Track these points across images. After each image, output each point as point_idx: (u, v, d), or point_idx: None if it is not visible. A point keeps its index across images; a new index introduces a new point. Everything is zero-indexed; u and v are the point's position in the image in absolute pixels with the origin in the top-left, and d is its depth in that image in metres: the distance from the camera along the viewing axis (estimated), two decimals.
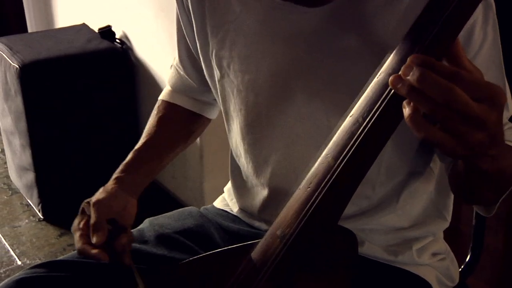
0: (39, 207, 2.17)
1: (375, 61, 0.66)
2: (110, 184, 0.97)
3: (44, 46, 2.11)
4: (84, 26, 2.31)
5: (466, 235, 1.16)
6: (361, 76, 0.76)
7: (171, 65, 1.08)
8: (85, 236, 0.89)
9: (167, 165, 1.07)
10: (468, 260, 1.12)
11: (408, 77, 0.54)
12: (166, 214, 1.04)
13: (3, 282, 0.87)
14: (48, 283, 0.86)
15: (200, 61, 0.95)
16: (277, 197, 0.92)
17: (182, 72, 1.04)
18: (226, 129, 0.97)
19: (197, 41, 0.92)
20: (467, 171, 0.68)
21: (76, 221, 0.93)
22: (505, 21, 0.83)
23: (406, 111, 0.55)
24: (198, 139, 2.01)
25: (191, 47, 0.97)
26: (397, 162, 0.85)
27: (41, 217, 2.19)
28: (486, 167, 0.61)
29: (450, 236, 1.04)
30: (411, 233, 0.92)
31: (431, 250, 0.94)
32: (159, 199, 2.23)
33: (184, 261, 0.80)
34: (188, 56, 1.00)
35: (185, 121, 1.08)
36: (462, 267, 1.11)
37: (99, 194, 0.95)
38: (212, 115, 1.11)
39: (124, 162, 1.01)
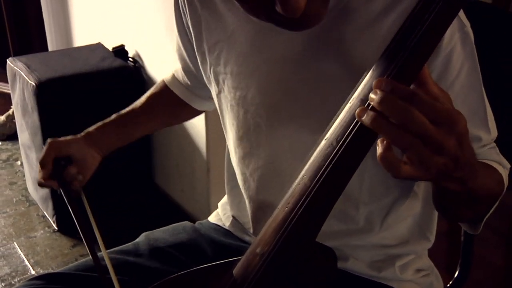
0: (54, 218, 2.19)
1: (353, 85, 0.66)
2: (79, 134, 1.05)
3: (60, 64, 2.14)
4: (99, 45, 2.34)
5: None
6: (342, 98, 0.77)
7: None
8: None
9: (139, 136, 1.12)
10: (457, 276, 1.11)
11: (371, 101, 0.55)
12: (161, 228, 1.05)
13: None
14: None
15: (202, 75, 0.97)
16: (263, 211, 0.93)
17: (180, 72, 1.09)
18: (226, 141, 0.99)
19: (197, 57, 0.94)
20: (438, 192, 0.68)
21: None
22: (485, 48, 0.83)
23: (378, 150, 0.56)
24: (205, 154, 2.04)
25: (189, 62, 1.00)
26: (380, 184, 0.85)
27: (56, 228, 2.21)
28: (454, 188, 0.61)
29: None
30: (395, 250, 0.92)
31: (414, 266, 0.93)
32: (168, 211, 2.25)
33: (170, 276, 0.81)
34: (187, 73, 1.05)
35: (172, 105, 1.12)
36: (450, 283, 1.10)
37: (62, 138, 1.03)
38: (202, 107, 1.13)
39: (103, 121, 1.07)
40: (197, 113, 1.15)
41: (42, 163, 0.99)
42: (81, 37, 2.65)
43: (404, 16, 0.73)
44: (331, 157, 0.63)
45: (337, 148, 0.62)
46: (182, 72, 1.06)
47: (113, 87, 2.15)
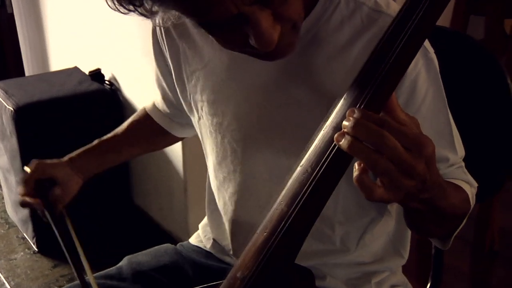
0: (34, 240, 2.15)
1: (325, 111, 0.68)
2: (62, 159, 1.04)
3: (38, 89, 2.12)
4: (75, 69, 2.32)
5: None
6: (315, 123, 0.78)
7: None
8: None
9: (121, 162, 1.12)
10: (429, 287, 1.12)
11: (346, 128, 0.56)
12: (144, 251, 1.04)
13: None
14: None
15: (181, 103, 0.96)
16: (242, 233, 0.92)
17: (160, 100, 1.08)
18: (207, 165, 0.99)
19: (176, 87, 0.94)
20: (407, 212, 0.69)
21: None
22: (447, 71, 0.85)
23: (355, 172, 0.57)
24: (182, 173, 2.03)
25: (168, 91, 0.99)
26: (355, 205, 0.86)
27: (36, 249, 2.17)
28: (421, 208, 0.62)
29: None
30: (371, 267, 0.92)
31: (389, 282, 0.94)
32: (147, 230, 2.23)
33: None
34: (167, 102, 1.04)
35: (153, 132, 1.12)
36: None
37: (47, 160, 1.02)
38: (182, 134, 1.13)
39: (85, 147, 1.07)
40: (177, 140, 1.15)
41: (25, 181, 0.99)
42: (57, 62, 2.62)
43: (371, 44, 0.75)
44: (307, 184, 0.63)
45: (313, 174, 0.63)
46: (162, 100, 1.06)
47: (91, 110, 2.13)
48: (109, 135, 1.09)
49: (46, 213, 0.96)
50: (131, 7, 0.62)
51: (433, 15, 0.59)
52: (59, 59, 2.61)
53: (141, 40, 1.96)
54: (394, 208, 0.91)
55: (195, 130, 0.98)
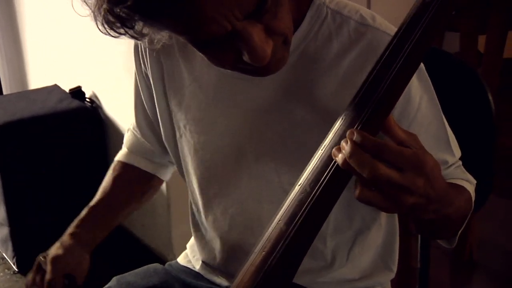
0: (14, 260, 2.10)
1: (318, 125, 0.68)
2: (66, 239, 0.96)
3: (18, 107, 2.08)
4: (55, 87, 2.29)
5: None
6: (306, 139, 0.77)
7: (128, 129, 1.06)
8: None
9: (120, 222, 1.06)
10: None
11: (344, 149, 0.58)
12: (132, 271, 1.02)
13: None
14: None
15: (158, 123, 0.93)
16: (234, 250, 0.91)
17: (139, 136, 1.02)
18: (187, 184, 0.97)
19: (156, 105, 0.91)
20: (415, 220, 0.70)
21: (30, 276, 0.91)
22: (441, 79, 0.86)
23: (356, 191, 0.59)
24: (165, 190, 2.00)
25: (148, 111, 0.96)
26: (344, 216, 0.86)
27: (16, 269, 2.11)
28: (429, 217, 0.64)
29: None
30: (360, 283, 0.92)
31: None
32: (130, 247, 2.19)
33: None
34: (145, 119, 0.99)
35: (139, 182, 1.06)
36: None
37: (56, 250, 0.94)
38: (166, 176, 1.09)
39: (79, 217, 0.99)
40: (159, 185, 1.10)
41: (53, 283, 0.91)
42: (36, 79, 2.58)
43: (360, 58, 0.75)
44: (306, 203, 0.63)
45: (312, 194, 0.63)
46: (142, 137, 1.01)
47: (72, 128, 2.10)
48: (94, 201, 1.02)
49: None
50: (122, 30, 0.61)
51: (429, 39, 0.60)
52: (38, 77, 2.57)
53: (122, 57, 1.94)
54: (384, 220, 0.90)
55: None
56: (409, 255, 1.10)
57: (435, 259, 1.15)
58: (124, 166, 1.05)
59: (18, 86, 2.71)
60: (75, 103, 2.13)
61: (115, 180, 1.03)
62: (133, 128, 1.04)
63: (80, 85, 2.18)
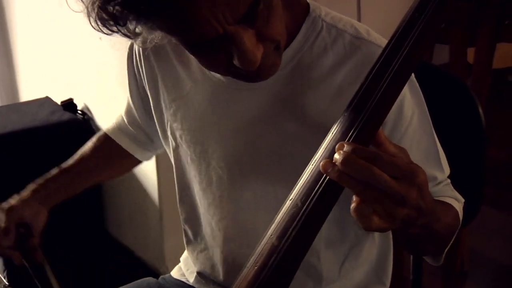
0: (4, 273, 2.07)
1: (311, 137, 0.68)
2: (25, 193, 0.97)
3: (9, 119, 2.07)
4: (47, 99, 2.28)
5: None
6: (299, 151, 0.77)
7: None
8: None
9: (84, 189, 1.06)
10: None
11: (336, 161, 0.57)
12: (126, 286, 1.01)
13: None
14: None
15: (149, 130, 0.95)
16: (228, 262, 0.91)
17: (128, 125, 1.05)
18: (177, 195, 0.96)
19: (153, 114, 0.92)
20: (402, 236, 0.70)
21: None
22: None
23: (352, 204, 0.57)
24: (157, 202, 1.99)
25: (138, 118, 0.98)
26: (337, 231, 0.86)
27: (6, 283, 2.08)
28: (416, 232, 0.63)
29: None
30: None
31: None
32: (121, 259, 2.17)
33: None
34: (133, 123, 1.02)
35: (118, 158, 1.07)
36: None
37: (13, 201, 0.95)
38: (145, 158, 1.10)
39: (47, 177, 1.00)
40: (137, 164, 1.11)
41: (6, 231, 0.92)
42: (28, 92, 2.57)
43: (354, 71, 0.76)
44: (298, 217, 0.63)
45: (303, 208, 0.62)
46: (128, 125, 1.04)
47: (64, 140, 2.08)
48: (67, 164, 1.03)
49: (26, 263, 0.91)
50: (115, 28, 0.61)
51: (419, 51, 0.60)
52: (30, 89, 2.56)
53: (114, 69, 1.94)
54: (377, 235, 0.90)
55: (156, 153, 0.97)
56: (402, 265, 1.10)
57: (427, 270, 1.15)
58: (108, 140, 1.06)
59: (9, 98, 2.70)
60: (67, 115, 2.12)
61: (94, 150, 1.05)
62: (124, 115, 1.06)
63: (72, 97, 2.18)
